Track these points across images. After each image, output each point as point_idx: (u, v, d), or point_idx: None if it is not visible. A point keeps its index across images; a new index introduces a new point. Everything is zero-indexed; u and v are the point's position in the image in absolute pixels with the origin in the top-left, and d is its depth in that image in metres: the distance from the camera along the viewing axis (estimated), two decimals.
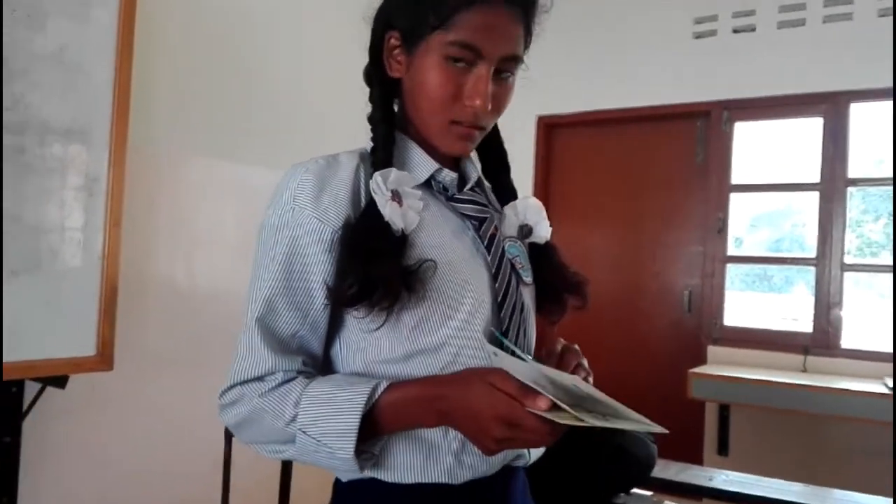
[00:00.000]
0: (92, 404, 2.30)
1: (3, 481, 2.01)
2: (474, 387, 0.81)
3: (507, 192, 1.11)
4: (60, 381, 2.02)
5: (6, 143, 1.81)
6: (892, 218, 3.34)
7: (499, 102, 0.93)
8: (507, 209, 1.07)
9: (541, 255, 1.08)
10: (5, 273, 1.81)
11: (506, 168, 1.12)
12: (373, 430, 0.85)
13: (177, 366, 2.57)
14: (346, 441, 0.83)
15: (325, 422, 0.84)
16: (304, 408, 0.85)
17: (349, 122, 1.01)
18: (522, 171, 3.95)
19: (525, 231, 1.06)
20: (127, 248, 2.14)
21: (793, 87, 3.44)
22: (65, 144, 1.94)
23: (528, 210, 1.07)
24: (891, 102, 3.15)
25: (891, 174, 3.20)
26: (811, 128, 3.48)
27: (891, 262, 3.23)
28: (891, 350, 3.05)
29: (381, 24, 0.97)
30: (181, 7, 2.56)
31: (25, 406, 2.05)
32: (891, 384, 2.86)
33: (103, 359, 2.03)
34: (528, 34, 0.95)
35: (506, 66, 0.92)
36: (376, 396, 0.84)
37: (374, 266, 0.84)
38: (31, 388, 2.05)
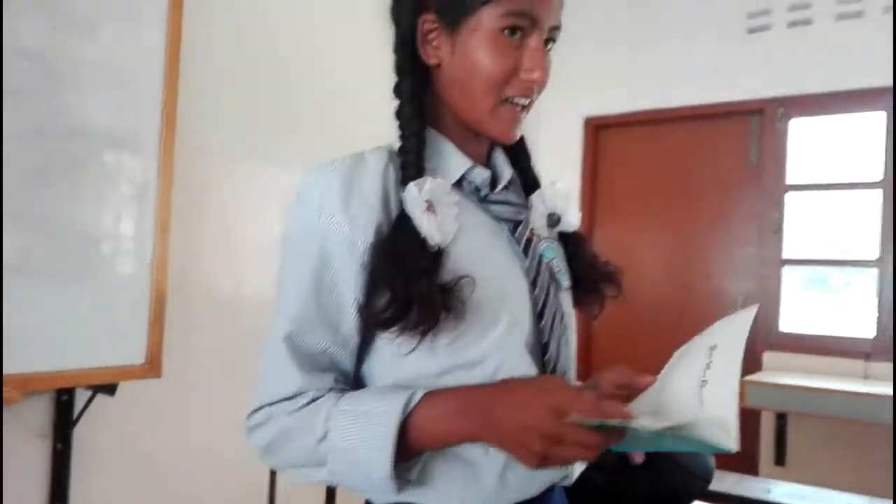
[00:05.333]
0: (140, 411, 2.31)
1: (54, 488, 2.04)
2: (518, 395, 0.77)
3: (530, 180, 1.04)
4: (110, 389, 2.03)
5: (55, 150, 1.82)
6: None
7: (547, 76, 0.89)
8: (535, 198, 1.00)
9: (572, 246, 1.03)
10: (57, 280, 1.83)
11: (526, 154, 1.05)
12: (409, 446, 0.80)
13: (225, 373, 2.57)
14: (381, 456, 0.77)
15: (358, 436, 0.78)
16: (336, 423, 0.79)
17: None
18: (570, 173, 3.85)
19: (554, 220, 1.00)
20: (174, 255, 2.15)
21: (852, 82, 3.30)
22: (115, 152, 1.95)
23: (557, 197, 1.01)
24: None
25: None
26: (873, 123, 3.34)
27: None
28: None
29: (410, 9, 0.90)
30: (226, 14, 2.56)
31: (76, 414, 2.07)
32: None
33: (152, 366, 2.04)
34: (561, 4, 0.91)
35: (551, 36, 0.89)
36: (412, 406, 0.79)
37: (412, 287, 0.79)
38: (80, 396, 2.08)
